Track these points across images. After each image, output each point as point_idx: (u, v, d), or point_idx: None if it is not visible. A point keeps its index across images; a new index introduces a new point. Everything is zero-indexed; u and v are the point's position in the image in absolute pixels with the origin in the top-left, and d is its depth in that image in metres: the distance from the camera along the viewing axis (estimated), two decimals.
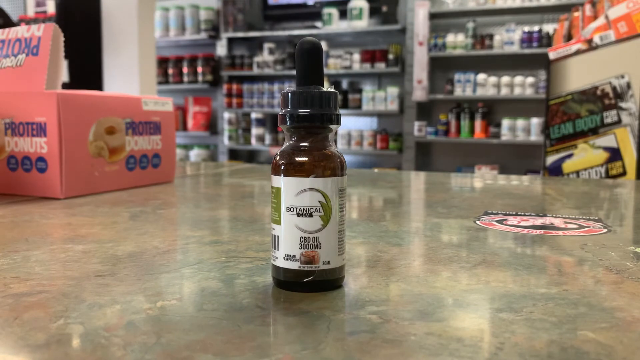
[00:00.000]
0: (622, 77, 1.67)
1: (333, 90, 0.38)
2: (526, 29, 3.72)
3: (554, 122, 1.80)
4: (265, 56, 4.34)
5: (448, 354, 0.28)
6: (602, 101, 1.71)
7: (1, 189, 0.82)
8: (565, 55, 1.78)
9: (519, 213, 0.70)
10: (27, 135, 0.78)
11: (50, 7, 2.99)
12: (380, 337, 0.30)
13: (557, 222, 0.64)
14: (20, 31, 0.82)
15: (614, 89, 1.69)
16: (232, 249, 0.50)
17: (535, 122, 3.66)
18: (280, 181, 0.37)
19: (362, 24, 4.01)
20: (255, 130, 4.45)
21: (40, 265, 0.44)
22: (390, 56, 3.98)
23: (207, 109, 4.65)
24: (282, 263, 0.37)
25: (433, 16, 3.89)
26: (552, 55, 1.81)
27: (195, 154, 4.61)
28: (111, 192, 0.84)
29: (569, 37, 2.14)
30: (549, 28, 3.73)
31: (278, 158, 0.38)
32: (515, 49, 3.70)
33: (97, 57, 2.89)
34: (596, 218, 0.67)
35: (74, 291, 0.37)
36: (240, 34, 4.40)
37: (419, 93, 3.83)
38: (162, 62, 4.58)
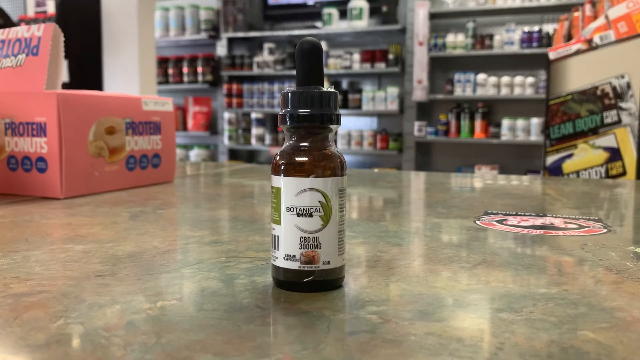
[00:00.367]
0: (622, 77, 1.67)
1: (333, 90, 0.38)
2: (526, 29, 3.72)
3: (554, 122, 1.80)
4: (265, 56, 4.34)
5: (448, 354, 0.28)
6: (602, 101, 1.71)
7: (1, 189, 0.82)
8: (565, 55, 1.78)
9: (519, 213, 0.70)
10: (27, 135, 0.78)
11: (50, 7, 2.99)
12: (380, 337, 0.30)
13: (557, 222, 0.64)
14: (20, 31, 0.82)
15: (614, 89, 1.69)
16: (232, 249, 0.50)
17: (535, 122, 3.66)
18: (280, 181, 0.37)
19: (362, 24, 4.01)
20: (255, 130, 4.45)
21: (40, 265, 0.44)
22: (390, 56, 3.98)
23: (207, 109, 4.65)
24: (282, 263, 0.37)
25: (433, 16, 3.89)
26: (552, 55, 1.81)
27: (195, 154, 4.61)
28: (111, 192, 0.84)
29: (569, 37, 2.14)
30: (549, 28, 3.73)
31: (278, 158, 0.38)
32: (515, 49, 3.70)
33: (97, 57, 2.89)
34: (596, 218, 0.67)
35: (74, 291, 0.37)
36: (240, 34, 4.40)
37: (419, 93, 3.83)
38: (162, 62, 4.58)
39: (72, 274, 0.41)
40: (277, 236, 0.38)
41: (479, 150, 4.00)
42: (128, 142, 0.88)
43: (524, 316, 0.33)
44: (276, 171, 0.38)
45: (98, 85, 2.88)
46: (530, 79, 3.70)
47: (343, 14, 4.11)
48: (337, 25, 4.13)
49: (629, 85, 1.66)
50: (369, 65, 4.05)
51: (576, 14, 2.08)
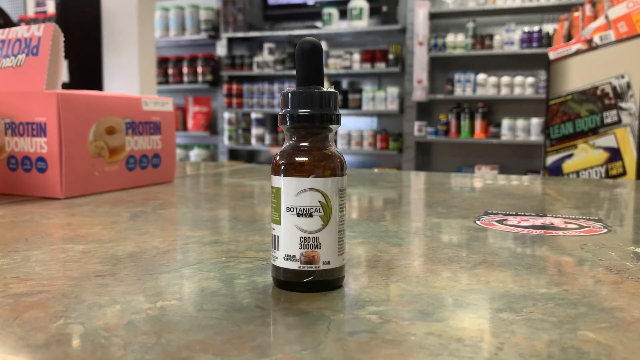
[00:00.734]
0: (622, 77, 1.67)
1: (333, 90, 0.38)
2: (526, 29, 3.72)
3: (554, 122, 1.80)
4: (265, 56, 4.34)
5: (448, 354, 0.28)
6: (602, 101, 1.71)
7: (1, 189, 0.82)
8: (565, 55, 1.78)
9: (519, 213, 0.70)
10: (27, 135, 0.78)
11: (50, 7, 2.99)
12: (380, 337, 0.30)
13: (557, 222, 0.64)
14: (20, 31, 0.82)
15: (614, 89, 1.69)
16: (232, 249, 0.50)
17: (535, 122, 3.66)
18: (280, 181, 0.37)
19: (362, 24, 4.01)
20: (255, 130, 4.45)
21: (40, 265, 0.44)
22: (390, 56, 3.98)
23: (207, 109, 4.65)
24: (282, 263, 0.37)
25: (433, 16, 3.89)
26: (552, 55, 1.81)
27: (195, 154, 4.61)
28: (111, 192, 0.84)
29: (569, 37, 2.14)
30: (549, 28, 3.73)
31: (278, 158, 0.38)
32: (515, 49, 3.70)
33: (97, 57, 2.89)
34: (596, 218, 0.67)
35: (74, 291, 0.37)
36: (240, 34, 4.40)
37: (419, 93, 3.83)
38: (162, 62, 4.58)
39: (72, 274, 0.41)
40: (277, 236, 0.38)
41: (479, 150, 4.00)
42: (128, 142, 0.88)
43: (524, 316, 0.33)
44: (276, 171, 0.38)
45: (98, 85, 2.88)
46: (530, 79, 3.70)
47: (343, 14, 4.11)
48: (337, 25, 4.13)
49: (629, 85, 1.66)
50: (369, 65, 4.05)
51: (576, 14, 2.08)
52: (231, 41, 4.55)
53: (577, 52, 1.75)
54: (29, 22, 2.95)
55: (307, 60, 0.38)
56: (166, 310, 0.33)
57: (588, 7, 1.98)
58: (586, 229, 0.60)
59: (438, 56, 3.89)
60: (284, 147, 0.38)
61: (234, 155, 4.67)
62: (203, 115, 4.64)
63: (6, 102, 0.80)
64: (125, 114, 0.87)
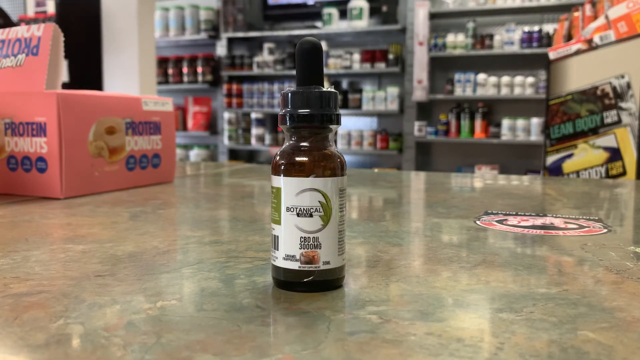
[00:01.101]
0: (622, 77, 1.67)
1: (333, 90, 0.38)
2: (526, 29, 3.72)
3: (554, 122, 1.80)
4: (265, 56, 4.34)
5: (448, 354, 0.28)
6: (602, 101, 1.71)
7: (1, 189, 0.82)
8: (565, 55, 1.78)
9: (519, 213, 0.70)
10: (27, 135, 0.78)
11: (50, 7, 2.99)
12: (380, 337, 0.30)
13: (557, 222, 0.64)
14: (20, 31, 0.82)
15: (614, 89, 1.69)
16: (232, 249, 0.50)
17: (535, 122, 3.66)
18: (280, 181, 0.37)
19: (362, 24, 4.01)
20: (255, 130, 4.45)
21: (40, 265, 0.44)
22: (390, 56, 3.98)
23: (207, 109, 4.65)
24: (282, 263, 0.37)
25: (433, 16, 3.89)
26: (552, 55, 1.81)
27: (195, 154, 4.61)
28: (111, 192, 0.84)
29: (569, 37, 2.14)
30: (549, 28, 3.73)
31: (278, 158, 0.38)
32: (515, 49, 3.70)
33: (97, 57, 2.89)
34: (596, 218, 0.67)
35: (74, 291, 0.37)
36: (240, 34, 4.40)
37: (419, 93, 3.83)
38: (162, 62, 4.58)
39: (72, 274, 0.41)
40: (277, 236, 0.38)
41: (479, 150, 4.00)
42: (128, 142, 0.88)
43: (524, 316, 0.33)
44: (276, 171, 0.38)
45: (98, 85, 2.88)
46: (530, 79, 3.70)
47: (343, 14, 4.11)
48: (337, 25, 4.13)
49: (629, 85, 1.66)
50: (369, 65, 4.05)
51: (576, 14, 2.08)
52: (231, 41, 4.55)
53: (577, 52, 1.75)
54: (29, 22, 2.95)
55: (307, 60, 0.38)
56: (166, 310, 0.33)
57: (588, 7, 1.98)
58: (586, 229, 0.60)
59: (438, 56, 3.89)
60: (284, 147, 0.38)
61: (234, 155, 4.67)
62: (203, 115, 4.64)
63: (6, 102, 0.80)
64: (125, 114, 0.87)
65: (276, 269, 0.38)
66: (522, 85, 3.72)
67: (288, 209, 0.37)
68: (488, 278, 0.41)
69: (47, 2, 3.00)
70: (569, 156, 1.78)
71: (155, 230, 0.58)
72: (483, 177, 1.29)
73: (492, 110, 3.93)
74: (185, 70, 4.53)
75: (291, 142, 0.38)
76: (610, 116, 1.70)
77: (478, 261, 0.46)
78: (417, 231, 0.60)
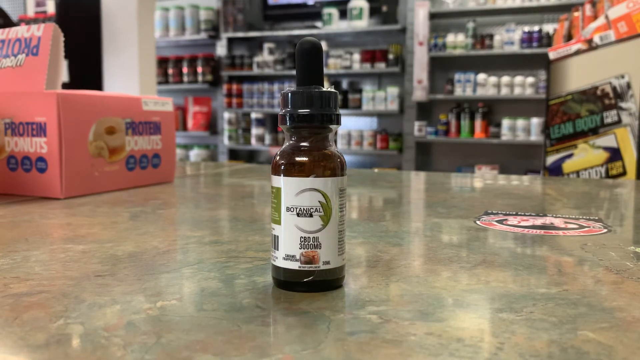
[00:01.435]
0: (622, 77, 1.67)
1: (333, 90, 0.38)
2: (526, 29, 3.72)
3: (554, 122, 1.80)
4: (265, 56, 4.34)
5: (448, 354, 0.28)
6: (602, 101, 1.71)
7: (1, 189, 0.82)
8: (565, 55, 1.78)
9: (519, 213, 0.70)
10: (27, 135, 0.78)
11: (50, 7, 2.99)
12: (380, 337, 0.30)
13: (557, 222, 0.64)
14: (20, 31, 0.82)
15: (614, 89, 1.69)
16: (232, 249, 0.50)
17: (535, 122, 3.66)
18: (280, 181, 0.37)
19: (362, 24, 4.01)
20: (255, 130, 4.45)
21: (40, 265, 0.44)
22: (390, 56, 3.98)
23: (207, 109, 4.65)
24: (282, 263, 0.37)
25: (433, 16, 3.89)
26: (552, 55, 1.81)
27: (195, 154, 4.61)
28: (111, 192, 0.84)
29: (569, 37, 2.14)
30: (549, 28, 3.73)
31: (278, 158, 0.38)
32: (515, 49, 3.70)
33: (97, 57, 2.89)
34: (596, 218, 0.67)
35: (74, 291, 0.37)
36: (240, 34, 4.40)
37: (419, 93, 3.83)
38: (162, 62, 4.58)
39: (72, 274, 0.41)
40: (277, 236, 0.38)
41: (479, 150, 4.00)
42: (128, 142, 0.88)
43: (524, 316, 0.33)
44: (276, 171, 0.38)
45: (98, 85, 2.88)
46: (530, 79, 3.70)
47: (343, 14, 4.11)
48: (337, 25, 4.13)
49: (629, 85, 1.66)
50: (369, 65, 4.05)
51: (576, 14, 2.08)
52: (231, 41, 4.55)
53: (577, 52, 1.75)
54: (29, 22, 2.95)
55: (307, 60, 0.38)
56: (166, 310, 0.33)
57: (588, 7, 1.98)
58: (586, 229, 0.60)
59: (438, 56, 3.89)
60: (284, 147, 0.38)
61: (234, 155, 4.67)
62: (203, 115, 4.64)
63: (6, 102, 0.80)
64: (125, 114, 0.87)
65: (276, 269, 0.38)
66: (522, 85, 3.72)
67: (288, 209, 0.37)
68: (488, 278, 0.41)
69: (47, 2, 3.00)
70: (569, 156, 1.78)
71: (155, 230, 0.58)
72: (483, 177, 1.29)
73: (492, 110, 3.93)
74: (185, 70, 4.53)
75: (291, 142, 0.38)
76: (610, 116, 1.70)
77: (478, 261, 0.46)
78: (417, 231, 0.60)
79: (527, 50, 3.67)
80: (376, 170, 1.33)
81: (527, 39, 3.68)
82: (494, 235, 0.57)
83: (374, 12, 4.06)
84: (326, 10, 4.12)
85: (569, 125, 1.77)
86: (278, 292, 0.37)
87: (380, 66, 4.02)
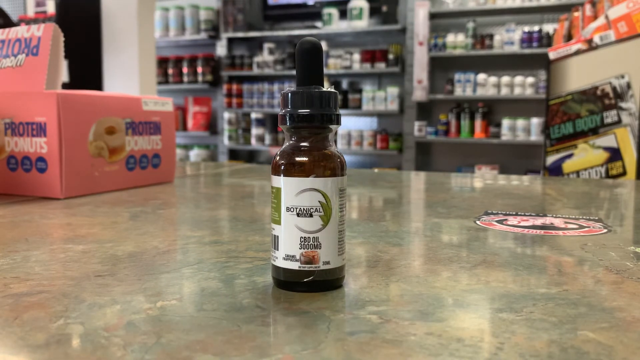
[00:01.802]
0: (622, 77, 1.67)
1: (333, 90, 0.38)
2: (526, 29, 3.72)
3: (554, 122, 1.80)
4: (265, 56, 4.34)
5: (448, 354, 0.28)
6: (602, 101, 1.71)
7: (1, 189, 0.82)
8: (565, 55, 1.78)
9: (519, 213, 0.70)
10: (27, 135, 0.78)
11: (50, 7, 2.99)
12: (380, 337, 0.30)
13: (557, 222, 0.64)
14: (20, 31, 0.82)
15: (614, 89, 1.69)
16: (232, 249, 0.50)
17: (535, 122, 3.66)
18: (280, 181, 0.37)
19: (362, 24, 4.01)
20: (255, 130, 4.45)
21: (40, 265, 0.44)
22: (390, 56, 3.98)
23: (207, 109, 4.65)
24: (282, 263, 0.37)
25: (433, 16, 3.89)
26: (552, 55, 1.81)
27: (195, 154, 4.61)
28: (111, 192, 0.84)
29: (569, 37, 2.14)
30: (549, 28, 3.73)
31: (278, 158, 0.38)
32: (515, 49, 3.70)
33: (97, 57, 2.89)
34: (596, 218, 0.67)
35: (74, 291, 0.37)
36: (240, 34, 4.40)
37: (419, 93, 3.83)
38: (162, 62, 4.58)
39: (72, 274, 0.41)
40: (277, 236, 0.38)
41: (479, 150, 4.00)
42: (128, 142, 0.88)
43: (524, 316, 0.33)
44: (276, 171, 0.38)
45: (98, 85, 2.88)
46: (530, 79, 3.70)
47: (343, 14, 4.11)
48: (337, 25, 4.13)
49: (629, 85, 1.66)
50: (369, 65, 4.05)
51: (576, 14, 2.08)
52: (231, 41, 4.55)
53: (577, 52, 1.75)
54: (29, 22, 2.95)
55: (307, 60, 0.38)
56: (166, 310, 0.33)
57: (588, 7, 1.98)
58: (586, 229, 0.60)
59: (438, 56, 3.89)
60: (284, 147, 0.38)
61: (234, 155, 4.67)
62: (203, 115, 4.64)
63: (6, 102, 0.80)
64: (125, 114, 0.87)
65: (276, 269, 0.38)
66: (522, 85, 3.72)
67: (288, 209, 0.37)
68: (488, 278, 0.41)
69: (47, 2, 3.00)
70: (569, 156, 1.78)
71: (155, 230, 0.58)
72: (483, 177, 1.29)
73: (492, 110, 3.93)
74: (185, 70, 4.53)
75: (291, 142, 0.38)
76: (610, 116, 1.70)
77: (478, 261, 0.46)
78: (417, 231, 0.60)
79: (527, 50, 3.67)
80: (376, 170, 1.33)
81: (527, 39, 3.68)
82: (494, 235, 0.57)
83: (374, 12, 4.06)
84: (326, 10, 4.12)
85: (569, 125, 1.77)
86: (278, 292, 0.37)
87: (380, 66, 4.02)
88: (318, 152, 0.37)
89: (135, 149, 0.89)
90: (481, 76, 3.79)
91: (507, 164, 3.92)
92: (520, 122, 3.71)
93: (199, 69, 4.50)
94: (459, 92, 3.84)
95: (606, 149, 1.71)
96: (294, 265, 0.37)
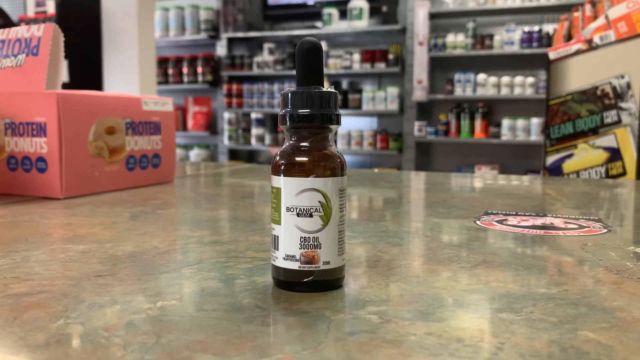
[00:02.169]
0: (622, 77, 1.67)
1: (333, 90, 0.38)
2: (526, 29, 3.72)
3: (554, 122, 1.80)
4: (265, 56, 4.34)
5: (448, 354, 0.28)
6: (602, 101, 1.71)
7: (1, 189, 0.82)
8: (565, 55, 1.78)
9: (519, 213, 0.70)
10: (27, 135, 0.78)
11: (50, 7, 2.98)
12: (380, 337, 0.30)
13: (557, 222, 0.64)
14: (20, 31, 0.82)
15: (614, 89, 1.69)
16: (232, 249, 0.50)
17: (535, 122, 3.66)
18: (280, 181, 0.37)
19: (362, 24, 4.01)
20: (255, 130, 4.45)
21: (40, 265, 0.44)
22: (390, 56, 3.98)
23: (207, 109, 4.65)
24: (282, 263, 0.37)
25: (433, 16, 3.89)
26: (552, 55, 1.81)
27: (195, 154, 4.61)
28: (111, 192, 0.84)
29: (569, 37, 2.14)
30: (549, 28, 3.73)
31: (278, 158, 0.38)
32: (515, 49, 3.70)
33: (97, 57, 2.89)
34: (596, 218, 0.67)
35: (74, 291, 0.37)
36: (240, 34, 4.40)
37: (419, 93, 3.83)
38: (162, 62, 4.58)
39: (72, 274, 0.41)
40: (277, 236, 0.38)
41: (479, 150, 4.00)
42: (128, 142, 0.88)
43: (524, 316, 0.33)
44: (276, 171, 0.38)
45: (98, 85, 2.88)
46: (530, 79, 3.70)
47: (343, 14, 4.10)
48: (337, 25, 4.13)
49: (629, 85, 1.66)
50: (369, 65, 4.05)
51: (576, 14, 2.08)
52: (231, 41, 4.55)
53: (577, 52, 1.75)
54: (29, 22, 2.95)
55: (307, 60, 0.38)
56: (166, 310, 0.33)
57: (588, 7, 1.98)
58: (586, 229, 0.60)
59: (438, 56, 3.89)
60: (284, 147, 0.38)
61: (234, 155, 4.67)
62: (203, 115, 4.64)
63: (6, 102, 0.80)
64: (125, 114, 0.87)
65: (276, 269, 0.38)
66: (522, 85, 3.72)
67: (288, 209, 0.37)
68: (488, 278, 0.41)
69: (47, 2, 3.00)
70: (569, 156, 1.78)
71: (155, 230, 0.58)
72: (483, 177, 1.29)
73: (492, 110, 3.93)
74: (185, 70, 4.53)
75: (291, 142, 0.38)
76: (610, 116, 1.69)
77: (478, 261, 0.46)
78: (417, 231, 0.60)
79: (527, 50, 3.67)
80: (376, 170, 1.33)
81: (527, 39, 3.68)
82: (494, 235, 0.57)
83: (374, 12, 4.06)
84: (326, 10, 4.12)
85: (569, 125, 1.77)
86: (278, 292, 0.37)
87: (380, 66, 4.02)
88: (318, 152, 0.37)
89: (135, 149, 0.89)
90: (481, 76, 3.79)
91: (507, 164, 3.92)
92: (520, 122, 3.71)
93: (199, 69, 4.50)
94: (459, 92, 3.84)
95: (606, 149, 1.71)
96: (294, 265, 0.37)
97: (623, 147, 1.68)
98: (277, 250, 0.38)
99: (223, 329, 0.31)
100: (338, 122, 0.38)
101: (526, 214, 0.69)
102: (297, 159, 0.37)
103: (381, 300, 0.36)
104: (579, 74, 1.75)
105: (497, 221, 0.64)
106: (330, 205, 0.37)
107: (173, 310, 0.33)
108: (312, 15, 4.30)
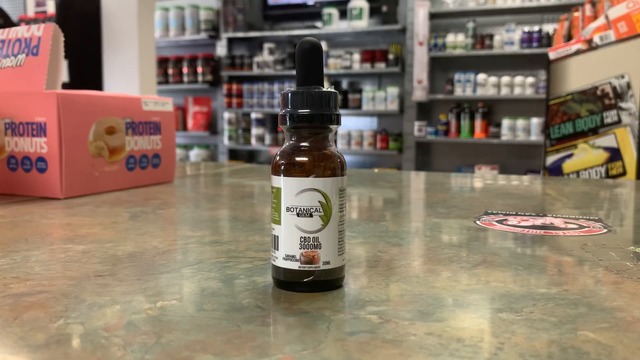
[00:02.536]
0: (622, 77, 1.67)
1: (333, 90, 0.38)
2: (526, 29, 3.72)
3: (554, 122, 1.80)
4: (265, 56, 4.34)
5: (448, 354, 0.28)
6: (602, 101, 1.71)
7: (1, 189, 0.82)
8: (565, 55, 1.78)
9: (519, 213, 0.70)
10: (27, 135, 0.78)
11: (50, 7, 2.98)
12: (380, 337, 0.30)
13: (557, 222, 0.64)
14: (20, 31, 0.82)
15: (614, 89, 1.69)
16: (232, 249, 0.50)
17: (535, 122, 3.66)
18: (280, 181, 0.37)
19: (362, 24, 4.01)
20: (255, 130, 4.45)
21: (40, 265, 0.44)
22: (390, 56, 3.98)
23: (207, 109, 4.65)
24: (282, 263, 0.37)
25: (433, 16, 3.89)
26: (552, 55, 1.81)
27: (195, 154, 4.61)
28: (111, 192, 0.84)
29: (569, 37, 2.14)
30: (549, 28, 3.73)
31: (278, 158, 0.38)
32: (515, 49, 3.70)
33: (97, 57, 2.89)
34: (596, 218, 0.67)
35: (74, 291, 0.37)
36: (240, 34, 4.40)
37: (419, 93, 3.83)
38: (162, 62, 4.58)
39: (72, 274, 0.41)
40: (277, 236, 0.38)
41: (479, 150, 4.00)
42: (128, 142, 0.88)
43: (524, 316, 0.33)
44: (276, 171, 0.38)
45: (98, 85, 2.88)
46: (530, 79, 3.70)
47: (343, 14, 4.11)
48: (337, 25, 4.13)
49: (629, 85, 1.66)
50: (369, 65, 4.05)
51: (576, 14, 2.08)
52: (231, 41, 4.55)
53: (577, 52, 1.75)
54: (29, 22, 2.95)
55: (307, 60, 0.38)
56: (166, 310, 0.33)
57: (588, 7, 1.98)
58: (586, 229, 0.60)
59: (438, 56, 3.89)
60: (284, 147, 0.38)
61: (234, 155, 4.67)
62: (203, 115, 4.64)
63: (6, 102, 0.80)
64: (125, 114, 0.87)
65: (276, 269, 0.38)
66: (522, 85, 3.72)
67: (288, 209, 0.37)
68: (488, 278, 0.41)
69: (47, 2, 3.00)
70: (569, 156, 1.78)
71: (155, 230, 0.58)
72: (483, 177, 1.29)
73: (492, 110, 3.93)
74: (185, 70, 4.53)
75: (291, 142, 0.38)
76: (610, 116, 1.69)
77: (478, 261, 0.46)
78: (417, 231, 0.60)
79: (527, 50, 3.67)
80: (376, 170, 1.33)
81: (527, 39, 3.68)
82: (494, 235, 0.57)
83: (374, 12, 4.06)
84: (326, 10, 4.12)
85: (569, 125, 1.77)
86: (278, 292, 0.37)
87: (380, 66, 4.02)
88: (318, 152, 0.37)
89: (135, 149, 0.89)
90: (481, 76, 3.79)
91: (507, 164, 3.92)
92: (520, 122, 3.71)
93: (199, 69, 4.50)
94: (459, 92, 3.84)
95: (606, 149, 1.71)
96: (294, 265, 0.37)
97: (623, 147, 1.68)
98: (277, 250, 0.38)
99: (223, 329, 0.31)
100: (338, 122, 0.38)
101: (526, 214, 0.69)
102: (297, 159, 0.37)
103: (381, 300, 0.36)
104: (579, 74, 1.75)
105: (497, 221, 0.64)
106: (330, 205, 0.37)
107: (173, 310, 0.33)
108: (312, 15, 4.30)
